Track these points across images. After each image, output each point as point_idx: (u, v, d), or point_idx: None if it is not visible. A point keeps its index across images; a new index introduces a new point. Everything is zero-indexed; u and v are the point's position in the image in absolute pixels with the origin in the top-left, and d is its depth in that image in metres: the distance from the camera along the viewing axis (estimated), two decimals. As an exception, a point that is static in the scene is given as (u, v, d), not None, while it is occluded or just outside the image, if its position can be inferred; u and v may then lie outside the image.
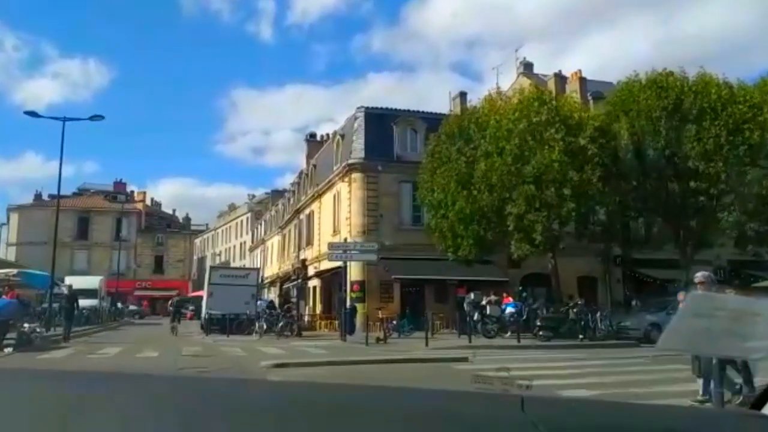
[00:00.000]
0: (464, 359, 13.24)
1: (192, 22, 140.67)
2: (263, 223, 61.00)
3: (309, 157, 41.97)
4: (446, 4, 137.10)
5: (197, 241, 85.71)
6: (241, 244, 73.11)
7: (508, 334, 21.28)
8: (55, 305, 24.57)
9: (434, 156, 23.60)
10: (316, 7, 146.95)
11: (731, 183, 21.48)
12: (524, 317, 21.39)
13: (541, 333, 19.97)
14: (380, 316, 22.28)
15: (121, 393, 1.33)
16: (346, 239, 24.89)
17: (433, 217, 23.70)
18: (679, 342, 1.76)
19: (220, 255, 77.31)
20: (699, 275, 7.69)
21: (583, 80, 36.68)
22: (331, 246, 21.81)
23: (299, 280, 35.08)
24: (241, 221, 74.12)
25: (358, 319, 23.94)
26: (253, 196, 73.58)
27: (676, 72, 23.66)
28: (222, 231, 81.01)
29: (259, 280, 33.32)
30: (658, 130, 22.42)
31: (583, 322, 20.34)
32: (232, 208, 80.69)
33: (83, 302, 32.73)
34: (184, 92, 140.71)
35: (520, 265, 27.40)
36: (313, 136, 44.45)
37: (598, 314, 20.79)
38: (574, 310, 20.68)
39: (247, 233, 70.92)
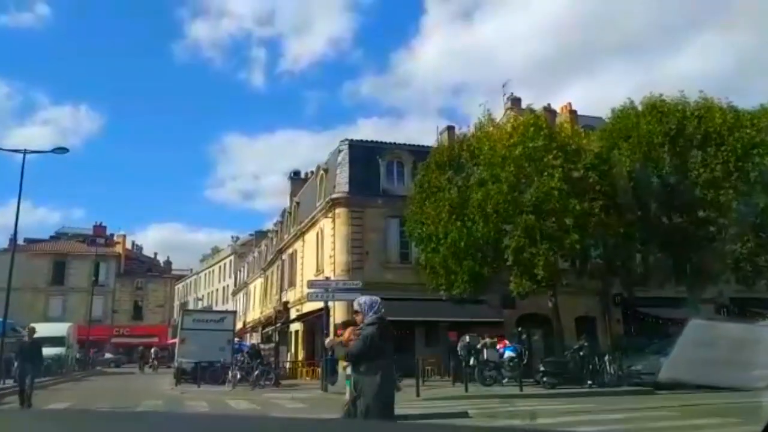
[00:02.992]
0: (464, 414, 11.23)
1: (184, 69, 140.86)
2: (246, 265, 58.83)
3: (293, 195, 40.23)
4: (433, 53, 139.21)
5: (180, 285, 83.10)
6: (224, 287, 70.58)
7: (506, 380, 19.35)
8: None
9: (423, 186, 21.91)
10: (306, 54, 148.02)
11: (742, 212, 19.96)
12: (525, 362, 19.42)
13: (545, 379, 17.97)
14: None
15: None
16: (328, 278, 22.92)
17: (423, 251, 21.85)
18: (681, 372, 1.93)
19: (202, 299, 74.60)
20: (355, 302, 5.66)
21: (573, 113, 35.53)
22: (312, 284, 19.85)
23: (277, 325, 32.82)
24: (225, 264, 71.75)
25: (342, 366, 21.81)
26: (237, 239, 71.35)
27: (674, 97, 22.46)
28: (205, 275, 78.45)
29: (236, 324, 31.12)
30: (661, 157, 21.00)
31: (591, 366, 18.35)
32: (216, 251, 78.35)
33: (47, 351, 30.44)
34: (174, 138, 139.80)
35: (515, 305, 25.57)
36: (297, 174, 42.75)
37: (606, 357, 18.80)
38: (581, 353, 18.68)
39: (230, 276, 68.51)
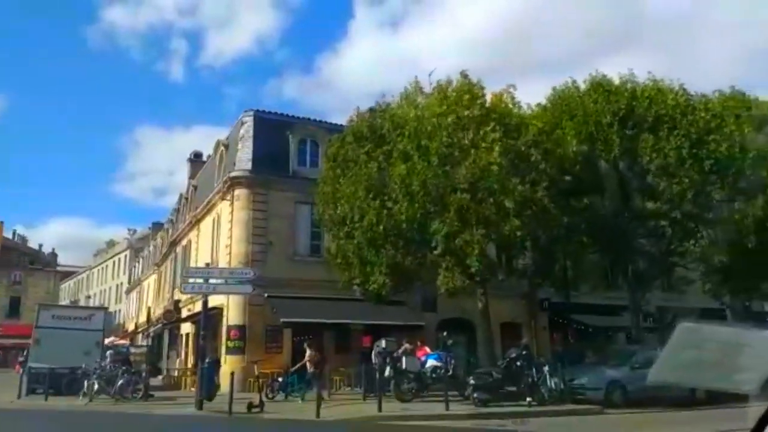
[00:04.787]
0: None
1: (98, 57, 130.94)
2: (141, 260, 53.15)
3: (192, 178, 35.50)
4: (358, 58, 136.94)
5: (70, 282, 75.53)
6: (117, 285, 64.10)
7: (425, 392, 16.10)
8: None
9: (337, 160, 18.25)
10: (229, 49, 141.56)
11: (698, 203, 17.66)
12: (450, 373, 16.15)
13: (475, 395, 14.71)
14: (257, 372, 16.35)
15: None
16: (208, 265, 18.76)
17: (335, 238, 18.19)
18: (669, 375, 1.89)
19: (92, 298, 67.75)
20: None
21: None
22: (188, 272, 15.73)
23: (158, 326, 28.16)
24: (119, 259, 65.22)
25: (232, 376, 17.78)
26: (134, 231, 64.92)
27: (622, 75, 20.11)
28: (98, 271, 71.33)
29: (107, 322, 26.42)
30: (610, 138, 18.48)
31: (530, 380, 15.27)
32: (111, 245, 71.34)
33: None
34: (83, 127, 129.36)
35: (437, 308, 22.52)
36: (198, 155, 37.81)
37: (546, 369, 15.81)
38: (518, 362, 15.54)
39: (124, 273, 62.24)
